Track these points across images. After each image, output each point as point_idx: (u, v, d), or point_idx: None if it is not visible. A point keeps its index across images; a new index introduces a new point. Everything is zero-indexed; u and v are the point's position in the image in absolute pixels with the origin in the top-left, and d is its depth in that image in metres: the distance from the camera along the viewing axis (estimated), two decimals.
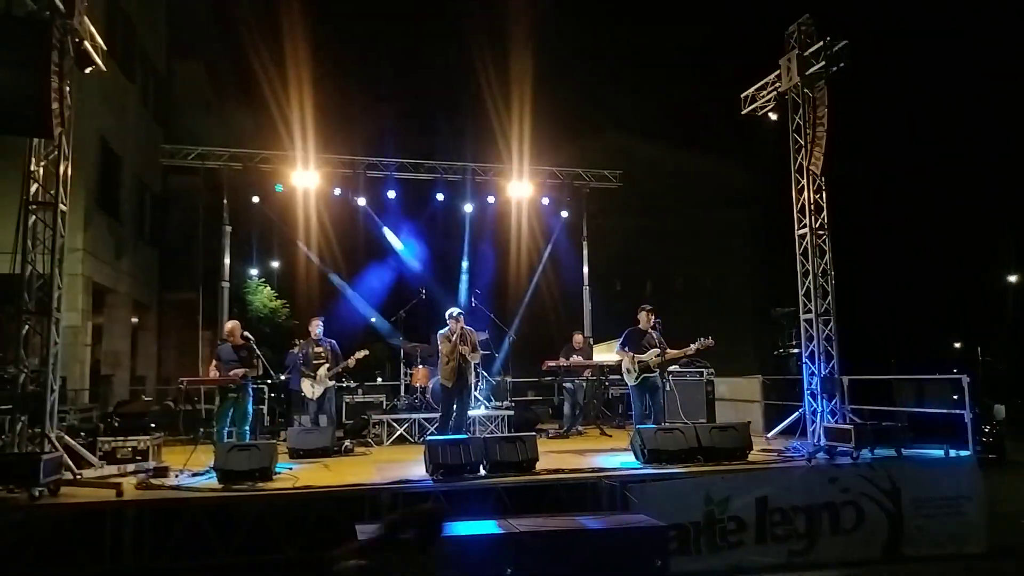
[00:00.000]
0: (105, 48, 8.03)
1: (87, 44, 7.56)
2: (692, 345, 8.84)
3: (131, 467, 7.45)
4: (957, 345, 33.88)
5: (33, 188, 7.23)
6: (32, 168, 7.22)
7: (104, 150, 14.69)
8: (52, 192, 7.28)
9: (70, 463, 6.84)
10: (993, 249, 31.69)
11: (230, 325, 9.12)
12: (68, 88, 7.14)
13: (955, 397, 12.16)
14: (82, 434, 8.46)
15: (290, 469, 7.51)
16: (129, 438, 7.89)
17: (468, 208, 14.07)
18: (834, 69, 8.74)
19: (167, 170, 16.88)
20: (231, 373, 8.54)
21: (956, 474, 7.48)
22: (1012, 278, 30.38)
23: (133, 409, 10.80)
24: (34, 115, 6.71)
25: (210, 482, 6.77)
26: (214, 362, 8.86)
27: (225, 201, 12.90)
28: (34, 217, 7.22)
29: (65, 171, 7.38)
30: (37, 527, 5.79)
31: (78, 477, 6.78)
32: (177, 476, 7.08)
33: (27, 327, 7.08)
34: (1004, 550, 7.28)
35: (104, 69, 8.11)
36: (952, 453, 7.71)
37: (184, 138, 15.72)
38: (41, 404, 6.93)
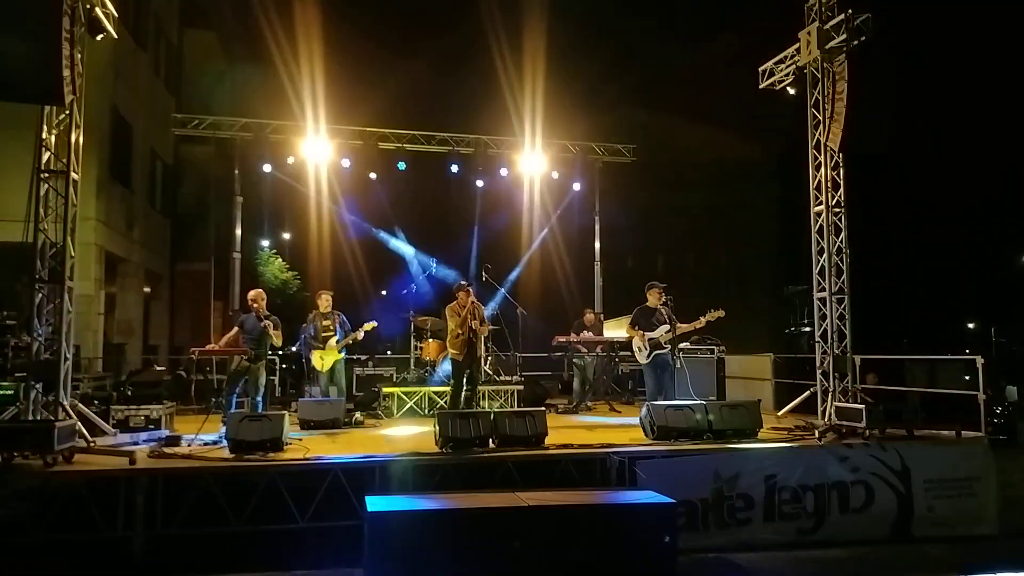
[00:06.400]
0: (116, 15, 7.96)
1: (98, 11, 7.50)
2: (702, 318, 8.80)
3: (144, 435, 7.52)
4: (971, 325, 33.64)
5: (45, 156, 7.21)
6: (44, 136, 7.20)
7: (115, 118, 14.67)
8: (64, 160, 7.26)
9: (84, 431, 6.90)
10: (1009, 229, 31.30)
11: (255, 293, 9.07)
12: (79, 55, 7.09)
13: (967, 378, 12.10)
14: (95, 402, 8.52)
15: (300, 440, 7.56)
16: (142, 407, 7.96)
17: (480, 182, 13.97)
18: (855, 43, 8.56)
19: (179, 139, 16.86)
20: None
21: (967, 455, 7.43)
22: None
23: (146, 378, 10.86)
24: (46, 83, 6.67)
25: (222, 451, 6.83)
26: (235, 329, 8.88)
27: (236, 171, 12.87)
28: (46, 186, 7.21)
29: (77, 139, 7.36)
30: (53, 494, 5.85)
31: (92, 445, 6.85)
32: (189, 445, 7.14)
33: (40, 296, 7.11)
34: (1015, 532, 7.25)
35: (115, 36, 8.05)
36: (964, 434, 7.66)
37: (196, 107, 15.66)
38: (55, 372, 6.98)
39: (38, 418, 6.85)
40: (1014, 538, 7.13)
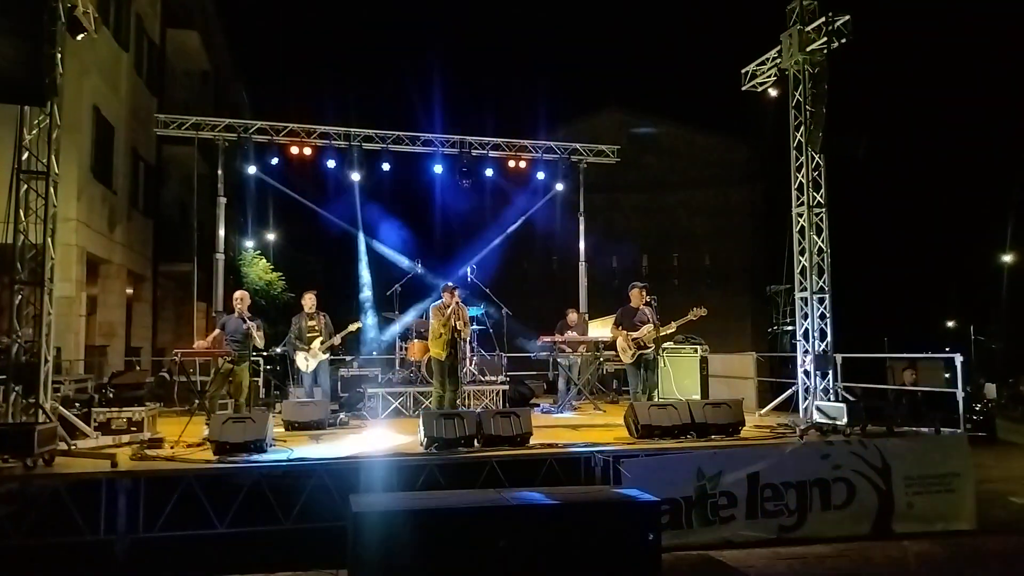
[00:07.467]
0: (97, 15, 7.89)
1: (79, 10, 7.43)
2: (685, 317, 8.85)
3: (126, 438, 7.47)
4: (950, 324, 34.07)
5: (24, 157, 7.14)
6: (24, 137, 7.13)
7: (97, 119, 14.53)
8: (44, 161, 7.19)
9: (64, 434, 6.85)
10: (988, 228, 31.74)
11: (240, 293, 9.00)
12: (60, 55, 7.03)
13: (947, 376, 12.24)
14: (77, 405, 8.46)
15: (284, 442, 7.54)
16: (124, 409, 7.90)
17: (465, 183, 13.97)
18: (836, 45, 8.65)
19: (161, 140, 16.73)
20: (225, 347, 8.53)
21: (946, 452, 7.52)
22: (1007, 258, 30.43)
23: (128, 380, 10.80)
24: (25, 83, 6.61)
25: (205, 453, 6.79)
26: (216, 331, 8.82)
27: (219, 172, 12.80)
28: (26, 186, 7.13)
29: (57, 140, 7.29)
30: (33, 497, 5.80)
31: (73, 448, 6.80)
32: (172, 447, 7.09)
33: (20, 297, 7.04)
34: (993, 527, 7.35)
35: (95, 35, 7.98)
36: (943, 431, 7.76)
37: (178, 108, 15.56)
38: (35, 374, 6.91)
39: (18, 421, 6.77)
40: (992, 533, 7.23)
